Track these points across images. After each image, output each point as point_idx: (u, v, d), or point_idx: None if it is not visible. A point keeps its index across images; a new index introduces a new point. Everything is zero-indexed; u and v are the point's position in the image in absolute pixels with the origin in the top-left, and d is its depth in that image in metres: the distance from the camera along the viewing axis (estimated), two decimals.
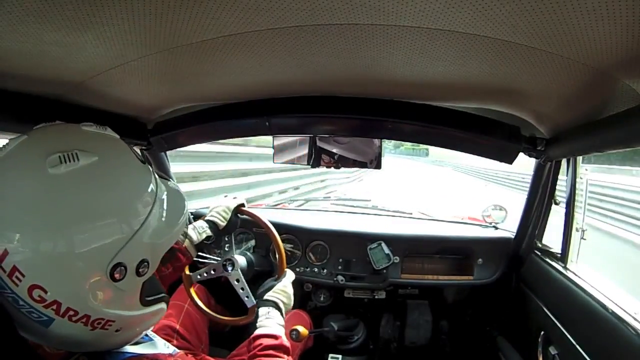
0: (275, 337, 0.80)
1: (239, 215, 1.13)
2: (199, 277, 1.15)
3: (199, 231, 1.04)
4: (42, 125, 0.53)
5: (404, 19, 0.54)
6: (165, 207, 0.54)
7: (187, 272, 1.16)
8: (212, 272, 1.14)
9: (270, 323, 0.84)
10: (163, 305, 0.60)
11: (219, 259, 1.17)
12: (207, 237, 1.05)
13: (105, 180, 0.49)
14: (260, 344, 0.78)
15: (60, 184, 0.45)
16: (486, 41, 0.58)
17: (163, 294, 0.60)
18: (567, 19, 0.48)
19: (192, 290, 1.16)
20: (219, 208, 1.10)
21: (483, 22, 0.52)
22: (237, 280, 1.13)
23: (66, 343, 0.50)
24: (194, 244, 1.03)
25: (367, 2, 0.49)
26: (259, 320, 0.86)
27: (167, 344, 0.68)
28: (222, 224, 1.08)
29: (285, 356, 0.78)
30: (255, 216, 1.19)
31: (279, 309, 0.89)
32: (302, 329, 1.08)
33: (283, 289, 0.94)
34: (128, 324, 0.54)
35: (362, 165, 1.25)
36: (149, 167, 0.56)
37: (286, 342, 0.81)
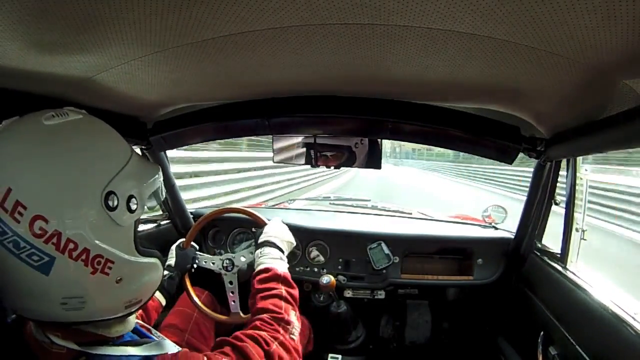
0: (266, 270, 0.84)
1: (183, 248, 1.18)
2: (197, 261, 1.16)
3: None
4: None
5: (405, 19, 0.54)
6: (140, 162, 0.61)
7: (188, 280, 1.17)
8: (212, 264, 1.16)
9: (263, 260, 0.88)
10: (156, 260, 0.62)
11: (221, 256, 1.18)
12: (170, 276, 1.10)
13: (92, 128, 0.57)
14: (253, 284, 0.82)
15: (54, 130, 0.52)
16: (486, 41, 0.58)
17: (155, 250, 0.63)
18: (567, 19, 0.48)
19: (189, 285, 1.16)
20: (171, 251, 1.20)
21: (483, 22, 0.52)
22: (230, 283, 1.14)
23: (67, 301, 0.50)
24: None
25: (368, 1, 0.49)
26: (255, 263, 0.89)
27: (175, 345, 0.67)
28: (171, 261, 1.14)
29: (280, 286, 0.81)
30: (254, 215, 1.19)
31: (273, 244, 0.92)
32: (332, 278, 1.34)
33: (269, 229, 0.98)
34: (127, 273, 0.55)
35: (361, 165, 1.25)
36: None
37: (280, 270, 0.84)
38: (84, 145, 0.54)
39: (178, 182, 1.59)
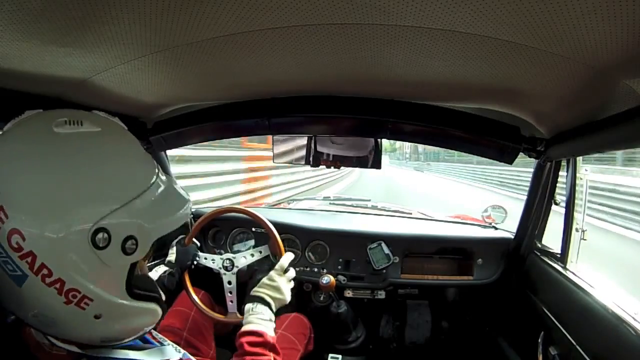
0: (257, 333, 0.78)
1: (184, 245, 1.18)
2: (198, 258, 1.16)
3: (157, 271, 1.09)
4: None
5: (405, 19, 0.54)
6: (161, 195, 0.53)
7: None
8: (212, 262, 1.15)
9: (254, 319, 0.82)
10: (154, 306, 0.56)
11: (221, 255, 1.18)
12: (170, 272, 1.10)
13: (104, 148, 0.50)
14: (242, 344, 0.76)
15: (60, 140, 0.47)
16: (486, 41, 0.58)
17: (156, 295, 0.56)
18: (567, 19, 0.48)
19: (188, 282, 1.16)
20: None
21: (483, 22, 0.52)
22: (229, 283, 1.14)
23: (39, 317, 0.46)
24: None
25: (368, 1, 0.49)
26: (244, 318, 0.84)
27: (178, 347, 0.65)
28: (172, 257, 1.14)
29: (269, 354, 0.76)
30: (254, 215, 1.19)
31: (267, 304, 0.86)
32: (331, 278, 1.34)
33: (269, 282, 0.91)
34: (109, 312, 0.49)
35: (362, 165, 1.25)
36: (152, 159, 0.57)
37: (271, 338, 0.79)
38: (88, 165, 0.47)
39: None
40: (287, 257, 0.99)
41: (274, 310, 0.88)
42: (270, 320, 0.84)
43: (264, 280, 0.92)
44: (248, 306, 0.86)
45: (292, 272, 0.98)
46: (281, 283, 0.92)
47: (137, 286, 0.53)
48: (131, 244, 0.48)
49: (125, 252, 0.48)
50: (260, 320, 0.82)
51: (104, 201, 0.47)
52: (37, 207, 0.44)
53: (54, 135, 0.47)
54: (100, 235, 0.45)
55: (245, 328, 0.80)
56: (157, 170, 0.55)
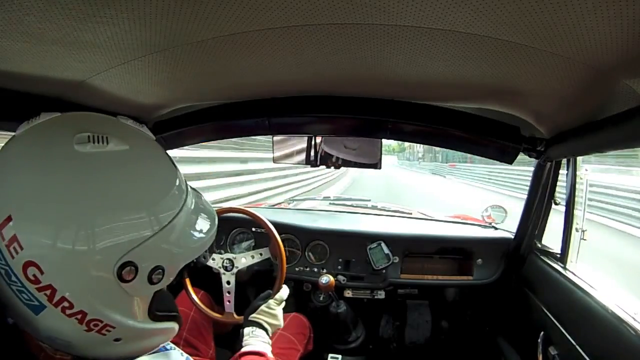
0: (260, 354, 0.82)
1: None
2: (197, 258, 1.16)
3: None
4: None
5: (405, 19, 0.54)
6: (191, 218, 0.51)
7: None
8: (212, 261, 1.15)
9: (255, 341, 0.87)
10: (174, 324, 0.55)
11: (221, 255, 1.18)
12: None
13: (132, 172, 0.46)
14: None
15: (82, 162, 0.42)
16: (487, 41, 0.58)
17: (175, 313, 0.56)
18: (567, 19, 0.48)
19: (187, 282, 1.16)
20: None
21: (484, 22, 0.52)
22: (228, 283, 1.14)
23: (54, 340, 0.45)
24: None
25: (368, 1, 0.49)
26: (243, 339, 0.88)
27: (182, 352, 0.66)
28: None
29: None
30: (254, 215, 1.19)
31: (264, 329, 0.91)
32: (331, 278, 1.35)
33: (268, 310, 0.96)
34: (130, 336, 0.48)
35: (363, 165, 1.25)
36: (179, 172, 0.54)
37: (270, 357, 0.83)
38: (116, 192, 0.43)
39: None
40: (286, 291, 1.05)
41: (270, 334, 0.93)
42: (268, 343, 0.90)
43: (263, 307, 0.97)
44: (247, 330, 0.91)
45: (284, 303, 1.04)
46: (278, 311, 0.98)
47: (159, 308, 0.52)
48: (158, 273, 0.47)
49: (151, 282, 0.47)
50: (259, 342, 0.87)
51: (131, 232, 0.43)
52: (54, 239, 0.40)
53: (75, 154, 0.42)
54: (127, 269, 0.43)
55: (245, 349, 0.84)
56: (184, 193, 0.51)
